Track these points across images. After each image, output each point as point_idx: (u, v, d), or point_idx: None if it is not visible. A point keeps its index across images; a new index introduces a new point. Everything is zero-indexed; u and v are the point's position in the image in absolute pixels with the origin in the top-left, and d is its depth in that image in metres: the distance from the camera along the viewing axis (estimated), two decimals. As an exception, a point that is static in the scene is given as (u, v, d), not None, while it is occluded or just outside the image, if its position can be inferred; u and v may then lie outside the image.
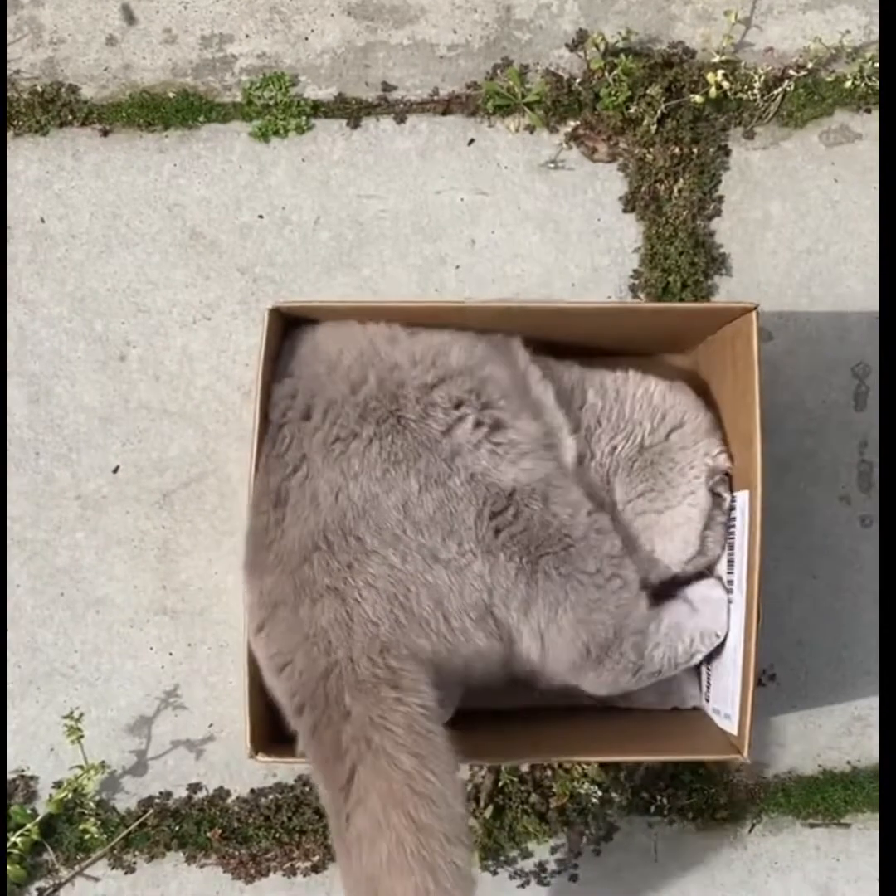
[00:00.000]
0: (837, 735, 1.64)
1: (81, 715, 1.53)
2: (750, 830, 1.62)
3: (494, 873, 1.59)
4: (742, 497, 1.41)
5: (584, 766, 1.56)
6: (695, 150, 1.66)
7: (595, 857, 1.59)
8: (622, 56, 1.63)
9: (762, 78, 1.65)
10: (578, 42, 1.66)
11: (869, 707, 1.63)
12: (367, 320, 1.38)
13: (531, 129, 1.66)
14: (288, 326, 1.40)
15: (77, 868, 1.57)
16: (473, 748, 1.39)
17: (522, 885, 1.59)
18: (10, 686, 1.59)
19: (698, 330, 1.51)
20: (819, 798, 1.62)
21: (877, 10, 1.66)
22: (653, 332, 1.53)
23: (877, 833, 1.62)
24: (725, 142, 1.67)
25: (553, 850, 1.59)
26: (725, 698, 1.42)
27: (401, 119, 1.66)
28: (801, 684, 1.63)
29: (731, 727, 1.39)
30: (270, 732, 1.35)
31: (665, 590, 1.48)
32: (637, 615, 1.38)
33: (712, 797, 1.61)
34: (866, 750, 1.64)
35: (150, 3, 1.65)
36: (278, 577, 1.28)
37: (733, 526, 1.45)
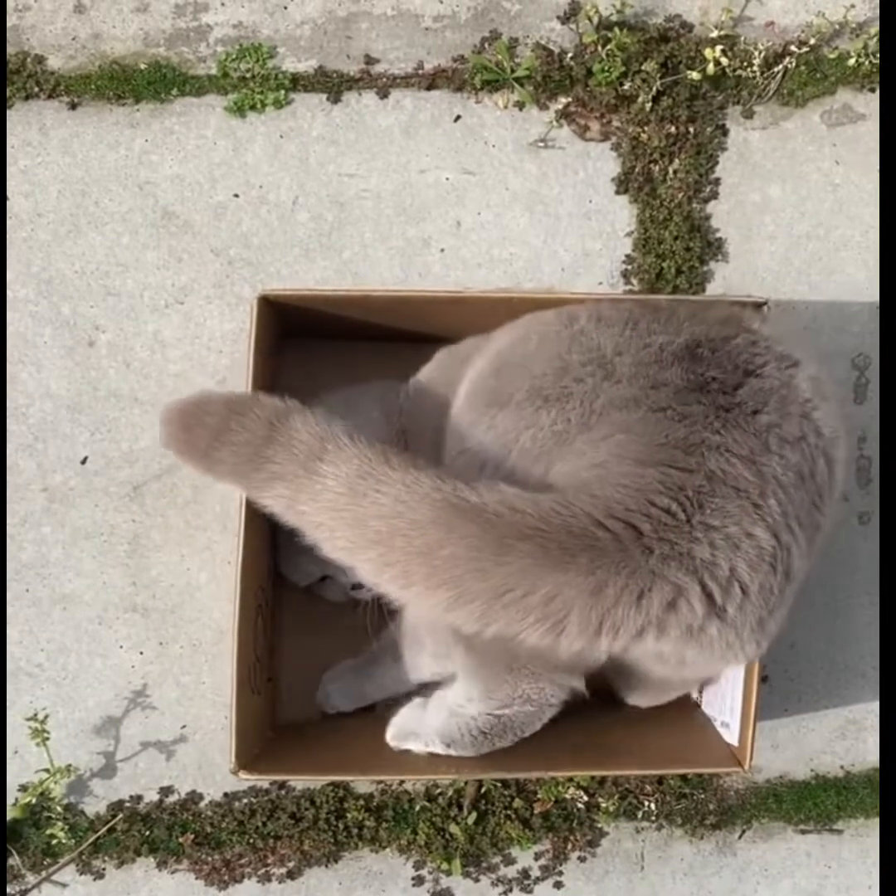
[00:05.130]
0: (831, 739, 1.59)
1: (47, 716, 1.48)
2: (740, 836, 1.58)
3: (476, 880, 1.54)
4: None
5: (570, 771, 1.51)
6: (691, 130, 1.59)
7: (580, 863, 1.55)
8: (616, 29, 1.56)
9: (762, 54, 1.58)
10: (571, 14, 1.59)
11: (864, 710, 1.59)
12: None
13: (520, 105, 1.59)
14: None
15: (44, 874, 1.52)
16: (464, 761, 1.34)
17: (505, 893, 1.54)
18: (-27, 685, 1.53)
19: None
20: (811, 803, 1.58)
21: (883, -16, 1.59)
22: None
23: (870, 840, 1.58)
24: (723, 121, 1.60)
25: (537, 856, 1.55)
26: (722, 705, 1.37)
27: (384, 94, 1.58)
28: (793, 687, 1.58)
29: (731, 737, 1.34)
30: (253, 746, 1.31)
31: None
32: None
33: (702, 803, 1.56)
34: (860, 754, 1.59)
35: (120, -31, 1.57)
36: None
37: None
